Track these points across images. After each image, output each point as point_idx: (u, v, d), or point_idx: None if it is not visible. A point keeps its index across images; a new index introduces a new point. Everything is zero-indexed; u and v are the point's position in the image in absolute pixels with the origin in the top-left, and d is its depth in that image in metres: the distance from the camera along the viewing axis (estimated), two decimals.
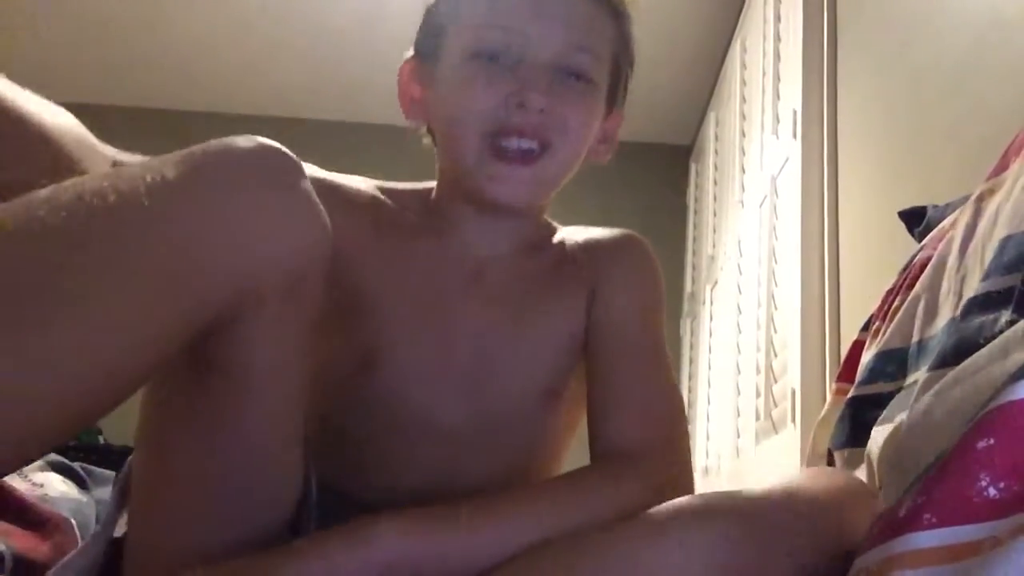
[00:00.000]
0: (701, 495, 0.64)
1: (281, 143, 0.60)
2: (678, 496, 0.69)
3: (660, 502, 0.66)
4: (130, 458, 0.69)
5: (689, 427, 2.94)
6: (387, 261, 0.80)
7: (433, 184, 0.87)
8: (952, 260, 0.75)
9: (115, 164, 0.68)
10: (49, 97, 0.68)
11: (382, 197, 0.84)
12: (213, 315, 0.55)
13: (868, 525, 0.52)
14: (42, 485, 0.97)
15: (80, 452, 1.24)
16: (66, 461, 1.07)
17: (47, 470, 1.03)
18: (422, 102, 0.84)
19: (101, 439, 1.98)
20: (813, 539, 0.57)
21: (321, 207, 0.60)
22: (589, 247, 0.87)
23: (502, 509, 0.64)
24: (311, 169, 0.78)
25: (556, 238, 0.89)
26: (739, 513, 0.57)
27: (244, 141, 0.57)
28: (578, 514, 0.64)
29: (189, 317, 0.53)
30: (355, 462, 0.80)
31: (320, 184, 0.78)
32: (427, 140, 0.86)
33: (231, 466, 0.62)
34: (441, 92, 0.81)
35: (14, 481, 0.92)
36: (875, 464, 0.73)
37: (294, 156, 0.60)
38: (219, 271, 0.53)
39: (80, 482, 1.04)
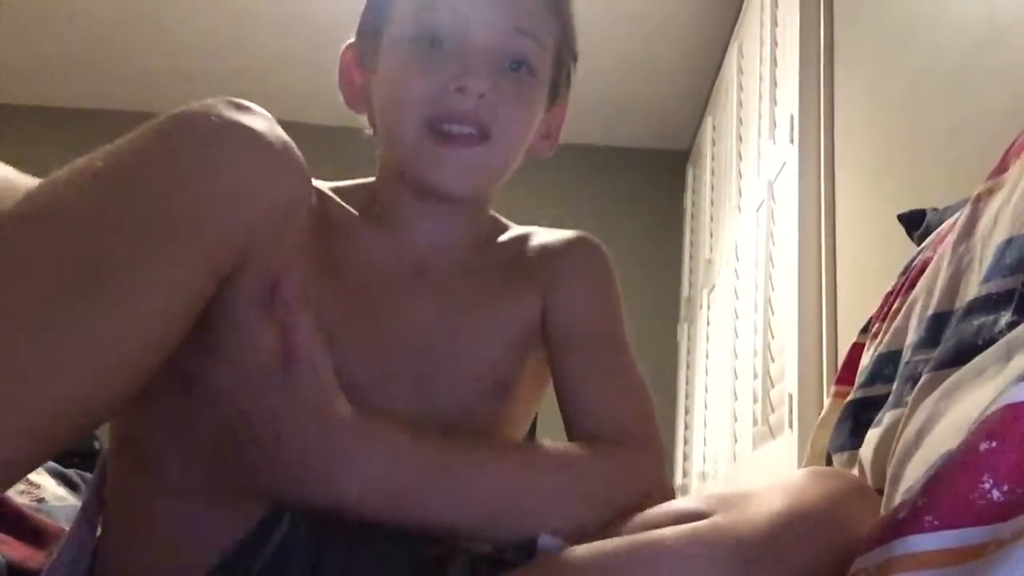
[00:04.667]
0: (698, 505, 0.63)
1: None
2: (654, 478, 0.71)
3: (639, 489, 0.67)
4: (100, 464, 0.68)
5: (689, 431, 2.94)
6: (327, 259, 0.78)
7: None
8: (945, 258, 0.75)
9: None
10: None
11: (329, 194, 0.83)
12: (223, 276, 0.55)
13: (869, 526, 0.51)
14: (39, 487, 0.96)
15: (75, 457, 1.23)
16: (61, 468, 1.06)
17: (43, 474, 1.02)
18: (363, 88, 0.83)
19: (96, 444, 1.97)
20: (816, 552, 0.56)
21: (296, 150, 0.60)
22: (540, 247, 0.85)
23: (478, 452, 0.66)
24: None
25: (507, 236, 0.87)
26: (740, 533, 0.57)
27: (209, 103, 0.58)
28: (551, 479, 0.66)
29: (206, 280, 0.54)
30: None
31: None
32: (368, 131, 0.84)
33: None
34: (382, 77, 0.80)
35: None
36: (867, 467, 0.73)
37: (258, 108, 0.60)
38: (226, 227, 0.55)
39: (75, 488, 1.03)
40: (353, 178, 0.85)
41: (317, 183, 0.83)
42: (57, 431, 0.48)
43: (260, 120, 0.59)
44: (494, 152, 0.77)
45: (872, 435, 0.74)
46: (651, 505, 0.65)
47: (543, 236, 0.87)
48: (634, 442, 0.73)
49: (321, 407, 0.60)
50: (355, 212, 0.82)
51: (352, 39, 0.85)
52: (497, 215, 0.89)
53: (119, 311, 0.49)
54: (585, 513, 0.66)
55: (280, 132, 0.59)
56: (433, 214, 0.81)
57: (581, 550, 0.61)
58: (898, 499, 0.57)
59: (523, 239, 0.87)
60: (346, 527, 0.68)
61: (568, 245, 0.85)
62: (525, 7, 0.78)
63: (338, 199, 0.83)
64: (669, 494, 0.71)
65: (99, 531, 0.67)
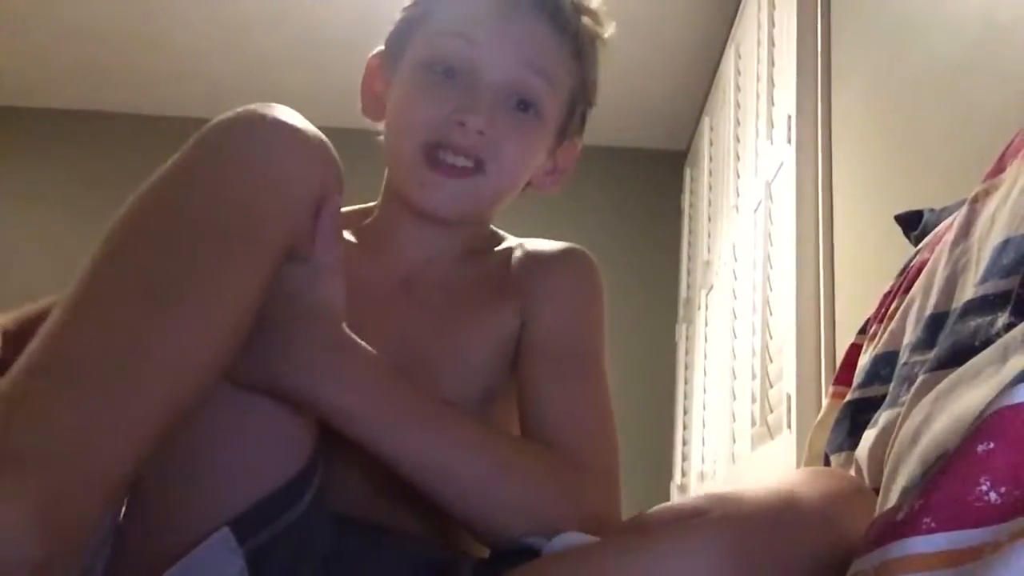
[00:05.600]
0: (696, 502, 0.63)
1: None
2: (596, 501, 0.70)
3: (576, 510, 0.66)
4: None
5: (688, 432, 2.93)
6: None
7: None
8: (943, 259, 0.75)
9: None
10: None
11: None
12: (283, 259, 0.60)
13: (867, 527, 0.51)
14: None
15: None
16: None
17: None
18: (381, 97, 0.85)
19: None
20: (812, 550, 0.57)
21: (327, 141, 0.64)
22: (528, 256, 0.85)
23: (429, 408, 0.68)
24: None
25: (499, 247, 0.87)
26: (737, 529, 0.57)
27: (242, 110, 0.62)
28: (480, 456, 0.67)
29: (272, 271, 0.59)
30: None
31: None
32: (381, 138, 0.86)
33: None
34: (395, 93, 0.82)
35: None
36: (863, 467, 0.73)
37: (287, 108, 0.64)
38: (287, 225, 0.60)
39: None
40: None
41: None
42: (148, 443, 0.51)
43: (294, 117, 0.62)
44: (485, 184, 0.79)
45: (868, 435, 0.74)
46: (590, 530, 0.64)
47: (533, 246, 0.87)
48: (583, 465, 0.71)
49: (324, 320, 0.64)
50: (348, 233, 0.83)
51: (381, 47, 0.87)
52: (495, 228, 0.90)
53: (202, 318, 0.54)
54: (500, 507, 0.66)
55: (311, 125, 0.63)
56: (423, 230, 0.83)
57: (580, 549, 0.61)
58: (893, 499, 0.57)
59: (512, 250, 0.86)
60: (366, 523, 0.68)
61: (554, 256, 0.85)
62: (542, 45, 0.79)
63: None
64: (614, 524, 0.69)
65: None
